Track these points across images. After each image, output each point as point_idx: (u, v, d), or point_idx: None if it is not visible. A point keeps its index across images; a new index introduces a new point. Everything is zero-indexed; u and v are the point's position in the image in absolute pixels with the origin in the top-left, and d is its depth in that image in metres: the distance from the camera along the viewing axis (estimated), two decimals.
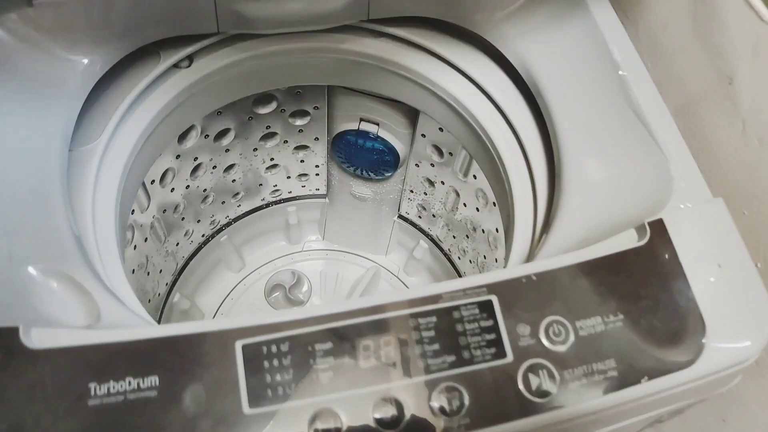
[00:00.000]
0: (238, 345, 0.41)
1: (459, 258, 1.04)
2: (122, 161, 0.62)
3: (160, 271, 0.93)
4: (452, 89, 0.71)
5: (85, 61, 0.57)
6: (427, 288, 0.45)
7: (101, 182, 0.60)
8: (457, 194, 0.92)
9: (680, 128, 0.58)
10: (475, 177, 0.85)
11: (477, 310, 0.44)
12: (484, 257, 0.92)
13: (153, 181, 0.79)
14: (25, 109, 0.53)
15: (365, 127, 0.89)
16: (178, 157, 0.81)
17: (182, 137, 0.79)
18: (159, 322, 0.98)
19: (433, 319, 0.43)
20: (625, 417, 0.49)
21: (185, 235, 0.97)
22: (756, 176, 0.55)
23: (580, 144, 0.57)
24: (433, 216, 1.03)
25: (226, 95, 0.74)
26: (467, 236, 0.96)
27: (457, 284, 0.45)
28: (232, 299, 1.09)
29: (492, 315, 0.44)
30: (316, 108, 0.89)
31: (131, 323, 0.46)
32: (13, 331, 0.41)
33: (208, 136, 0.83)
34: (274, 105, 0.86)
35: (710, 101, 0.57)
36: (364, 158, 0.92)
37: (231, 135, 0.87)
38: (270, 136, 0.92)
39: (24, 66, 0.54)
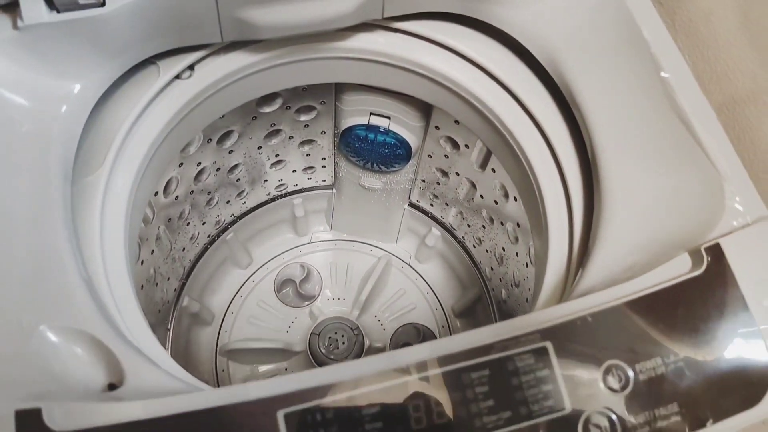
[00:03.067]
0: (280, 415, 0.38)
1: (474, 246, 1.01)
2: (128, 187, 0.57)
3: (168, 278, 0.90)
4: (471, 86, 0.67)
5: (78, 87, 0.52)
6: (476, 336, 0.42)
7: (108, 213, 0.56)
8: (474, 186, 0.88)
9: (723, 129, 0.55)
10: (493, 171, 0.81)
11: (532, 360, 0.41)
12: (503, 249, 0.89)
13: (156, 193, 0.74)
14: (20, 148, 0.49)
15: (375, 121, 0.84)
16: (180, 165, 0.77)
17: (185, 145, 0.74)
18: (170, 327, 0.95)
19: (486, 372, 0.40)
20: None
21: (191, 239, 0.93)
22: None
23: (621, 154, 0.53)
24: (446, 204, 1.00)
25: (232, 101, 0.69)
26: (483, 227, 0.93)
27: (507, 330, 0.42)
28: (241, 296, 1.06)
29: (548, 363, 0.41)
30: (322, 103, 0.84)
31: (158, 383, 0.43)
32: (35, 413, 0.37)
33: (211, 140, 0.79)
34: (278, 103, 0.81)
35: (760, 102, 0.53)
36: (374, 152, 0.88)
37: (234, 136, 0.82)
38: (275, 133, 0.87)
39: (12, 101, 0.49)
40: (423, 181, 0.97)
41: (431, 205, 1.03)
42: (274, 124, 0.85)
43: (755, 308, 0.44)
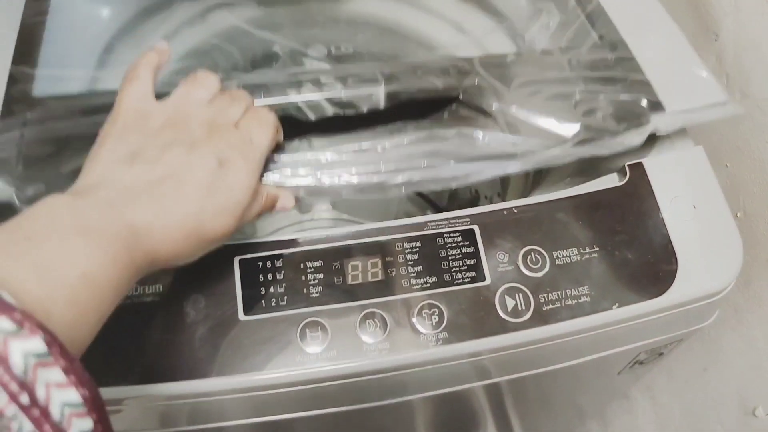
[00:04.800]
0: (236, 260, 0.45)
1: None
2: None
3: None
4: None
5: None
6: (415, 218, 0.48)
7: None
8: None
9: None
10: None
11: (459, 238, 0.47)
12: None
13: None
14: None
15: None
16: None
17: None
18: None
19: (418, 244, 0.46)
20: (601, 347, 0.52)
21: None
22: (738, 129, 0.57)
23: None
24: None
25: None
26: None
27: (442, 215, 0.48)
28: None
29: (473, 242, 0.47)
30: None
31: None
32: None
33: None
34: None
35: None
36: None
37: None
38: None
39: None
40: None
41: None
42: None
43: (668, 218, 0.49)
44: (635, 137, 0.49)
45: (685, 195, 0.51)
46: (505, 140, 0.48)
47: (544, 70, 0.52)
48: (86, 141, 0.38)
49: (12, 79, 0.49)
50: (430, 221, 0.47)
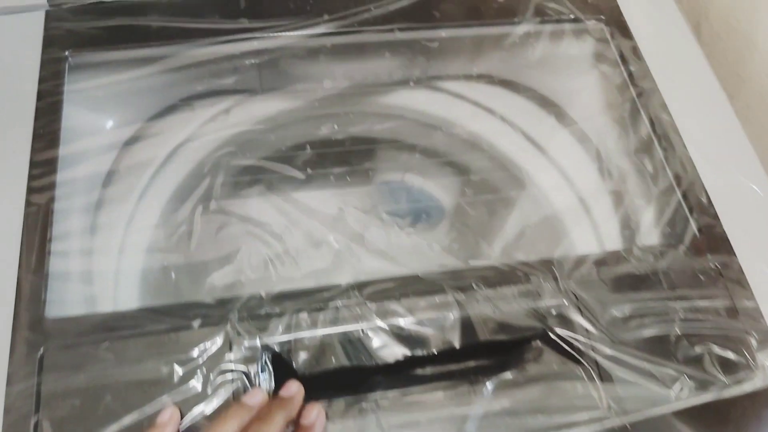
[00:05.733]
0: None
1: None
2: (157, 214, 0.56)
3: None
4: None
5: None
6: None
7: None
8: None
9: None
10: None
11: None
12: None
13: None
14: None
15: (408, 179, 0.82)
16: None
17: None
18: None
19: None
20: None
21: None
22: None
23: None
24: None
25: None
26: None
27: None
28: None
29: None
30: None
31: None
32: None
33: None
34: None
35: None
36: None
37: None
38: None
39: None
40: None
41: None
42: None
43: None
44: (745, 387, 0.40)
45: None
46: (598, 397, 0.39)
47: (635, 288, 0.42)
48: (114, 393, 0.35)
49: (20, 288, 0.40)
50: None
